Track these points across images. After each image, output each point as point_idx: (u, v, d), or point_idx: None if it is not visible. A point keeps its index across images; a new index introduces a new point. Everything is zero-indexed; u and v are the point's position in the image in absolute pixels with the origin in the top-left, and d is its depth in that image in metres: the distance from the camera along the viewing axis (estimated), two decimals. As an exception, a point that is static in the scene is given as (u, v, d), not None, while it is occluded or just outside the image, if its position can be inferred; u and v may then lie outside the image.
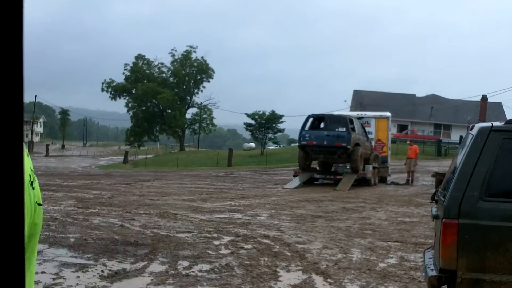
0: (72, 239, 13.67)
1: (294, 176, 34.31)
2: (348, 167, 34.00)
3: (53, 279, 9.91)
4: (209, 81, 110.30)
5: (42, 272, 10.26)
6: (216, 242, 13.92)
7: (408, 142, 44.01)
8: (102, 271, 10.59)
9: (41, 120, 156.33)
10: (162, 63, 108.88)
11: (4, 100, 1.15)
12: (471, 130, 7.46)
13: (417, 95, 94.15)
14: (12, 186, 1.17)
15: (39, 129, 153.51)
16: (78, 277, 10.13)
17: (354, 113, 43.47)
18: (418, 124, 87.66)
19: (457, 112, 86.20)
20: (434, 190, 8.64)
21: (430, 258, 7.70)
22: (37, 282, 9.48)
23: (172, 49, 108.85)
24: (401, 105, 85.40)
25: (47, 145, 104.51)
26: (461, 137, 48.65)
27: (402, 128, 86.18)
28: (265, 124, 75.68)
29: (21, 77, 1.16)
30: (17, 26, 1.16)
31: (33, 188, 1.85)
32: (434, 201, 8.25)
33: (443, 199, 7.06)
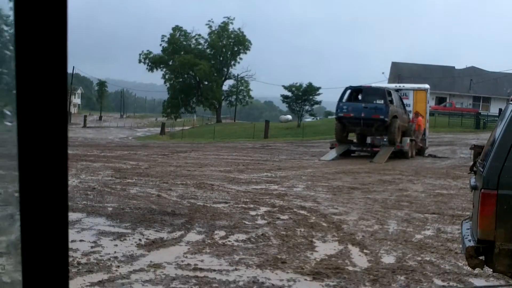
0: (110, 209, 13.80)
1: (331, 148, 34.24)
2: (385, 139, 33.78)
3: (92, 247, 10.03)
4: (246, 53, 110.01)
5: (81, 240, 10.39)
6: (253, 213, 13.97)
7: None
8: (140, 239, 10.69)
9: (79, 91, 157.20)
10: (199, 35, 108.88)
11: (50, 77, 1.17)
12: (511, 101, 7.35)
13: (456, 67, 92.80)
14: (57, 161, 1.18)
15: (76, 100, 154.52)
16: (116, 245, 10.23)
17: (392, 85, 43.14)
18: (457, 96, 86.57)
19: (497, 84, 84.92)
20: (472, 163, 8.55)
21: (468, 229, 7.63)
22: (75, 250, 9.61)
23: (209, 21, 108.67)
24: (440, 77, 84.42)
25: (85, 116, 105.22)
26: (500, 109, 48.06)
27: (440, 100, 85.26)
28: (302, 96, 75.35)
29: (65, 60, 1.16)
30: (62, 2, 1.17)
31: None
32: (472, 172, 8.17)
33: (482, 169, 6.98)
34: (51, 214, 1.23)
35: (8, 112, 1.50)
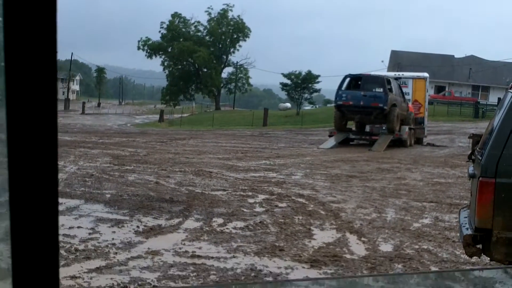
0: (108, 195, 13.81)
1: (330, 136, 34.20)
2: (384, 127, 33.74)
3: (89, 233, 10.05)
4: (245, 40, 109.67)
5: (78, 227, 10.42)
6: (251, 200, 13.97)
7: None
8: (138, 226, 10.71)
9: (77, 78, 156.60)
10: (198, 22, 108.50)
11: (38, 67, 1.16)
12: (510, 89, 7.34)
13: (455, 56, 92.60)
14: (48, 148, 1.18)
15: (75, 87, 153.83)
16: (114, 232, 10.25)
17: (392, 74, 43.04)
18: (456, 85, 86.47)
19: (496, 73, 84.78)
20: (470, 151, 8.54)
21: (466, 217, 7.64)
22: (73, 237, 9.64)
23: (209, 8, 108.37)
24: (440, 66, 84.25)
25: (83, 103, 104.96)
26: (499, 98, 48.02)
27: (439, 89, 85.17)
28: (301, 84, 75.32)
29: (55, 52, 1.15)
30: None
31: None
32: (471, 160, 8.16)
33: (480, 158, 6.97)
34: (40, 201, 1.22)
35: None
